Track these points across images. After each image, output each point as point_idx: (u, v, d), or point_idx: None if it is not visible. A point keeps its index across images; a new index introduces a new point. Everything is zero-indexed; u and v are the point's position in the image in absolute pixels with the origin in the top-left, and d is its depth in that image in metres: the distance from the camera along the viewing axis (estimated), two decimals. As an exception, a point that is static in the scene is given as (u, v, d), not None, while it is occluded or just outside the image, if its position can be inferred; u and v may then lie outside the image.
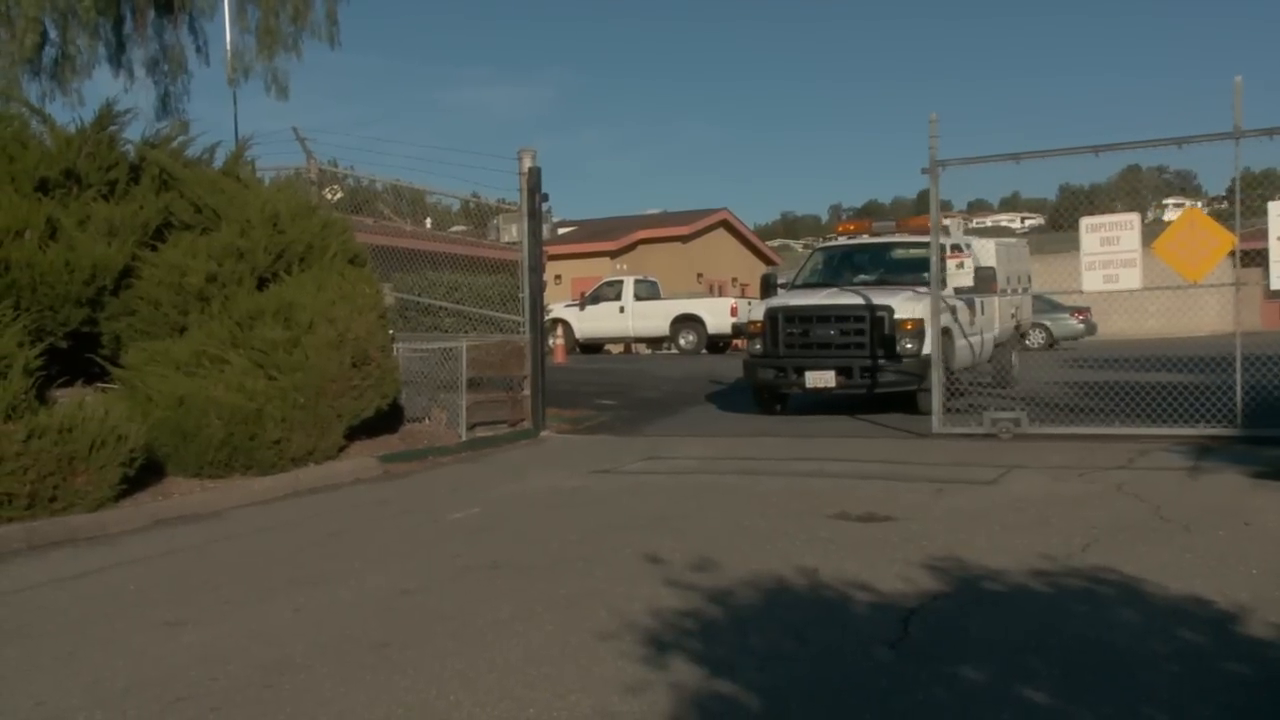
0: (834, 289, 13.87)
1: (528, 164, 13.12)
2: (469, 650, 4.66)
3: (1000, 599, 5.22)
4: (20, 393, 7.83)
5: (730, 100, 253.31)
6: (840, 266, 14.95)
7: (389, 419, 11.26)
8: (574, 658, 4.51)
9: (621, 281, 32.22)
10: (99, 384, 9.93)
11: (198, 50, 19.41)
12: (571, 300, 32.55)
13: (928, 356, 11.90)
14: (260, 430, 9.39)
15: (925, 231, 13.34)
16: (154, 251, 10.52)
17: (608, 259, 39.10)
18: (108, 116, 10.82)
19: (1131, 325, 14.98)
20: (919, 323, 12.48)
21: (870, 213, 79.13)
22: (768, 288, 14.53)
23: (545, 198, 13.37)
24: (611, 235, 40.76)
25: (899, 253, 14.71)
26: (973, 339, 13.88)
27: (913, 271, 13.64)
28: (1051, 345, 28.59)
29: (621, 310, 31.02)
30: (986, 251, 14.96)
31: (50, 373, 8.84)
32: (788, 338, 13.17)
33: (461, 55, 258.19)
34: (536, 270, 13.20)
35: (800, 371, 12.96)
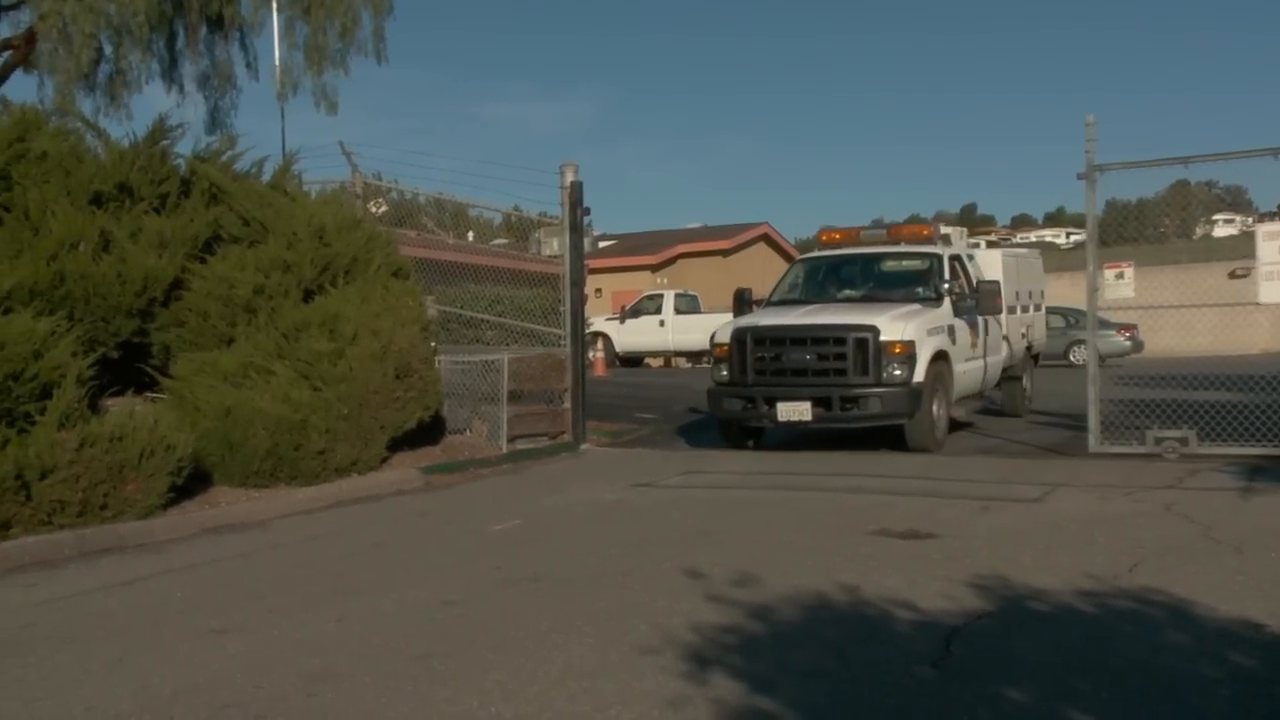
0: (813, 306, 12.17)
1: (570, 178, 13.19)
2: (510, 662, 4.68)
3: (1046, 619, 5.16)
4: (73, 402, 7.97)
5: (771, 113, 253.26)
6: (824, 281, 13.15)
7: (431, 431, 11.34)
8: (615, 671, 4.51)
9: (662, 295, 32.24)
10: (148, 394, 10.08)
11: (247, 66, 19.71)
12: (612, 314, 32.61)
13: (920, 385, 10.86)
14: (305, 441, 9.49)
15: (920, 240, 12.97)
16: (203, 264, 10.69)
17: (648, 273, 39.17)
18: (160, 131, 11.02)
19: (1180, 342, 13.84)
20: (909, 345, 10.91)
21: None
22: (742, 305, 12.80)
23: (587, 211, 13.42)
24: (652, 249, 40.83)
25: (890, 264, 13.00)
26: (976, 363, 12.47)
27: (906, 286, 12.38)
28: (1100, 363, 28.21)
29: (661, 324, 31.02)
30: (992, 264, 13.69)
31: (102, 382, 8.99)
32: (757, 363, 11.39)
33: (503, 70, 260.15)
34: (578, 284, 13.25)
35: (771, 402, 11.15)
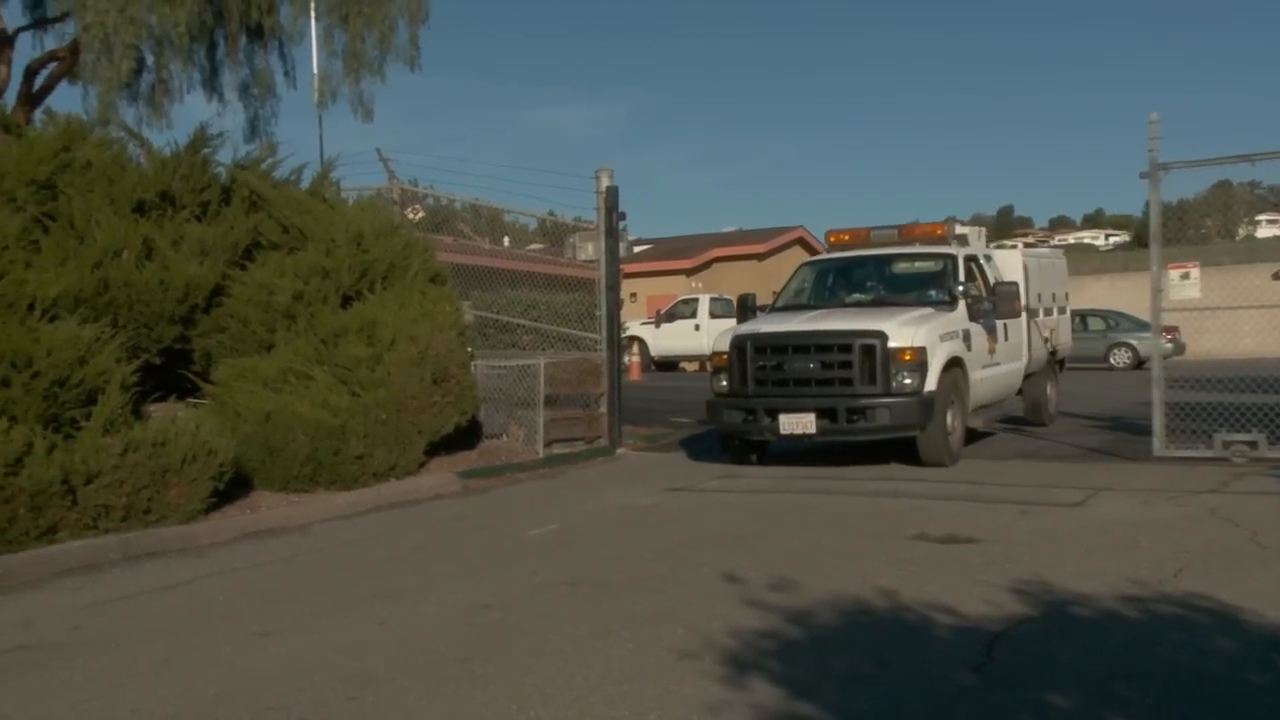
0: (819, 311, 11.49)
1: (605, 183, 13.22)
2: (548, 666, 4.69)
3: (1089, 624, 5.10)
4: (117, 408, 8.08)
5: (807, 116, 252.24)
6: (832, 285, 12.46)
7: (468, 435, 11.40)
8: (653, 676, 4.51)
9: (697, 299, 32.24)
10: (190, 399, 10.21)
11: (286, 74, 19.92)
12: (647, 318, 32.64)
13: (932, 394, 10.20)
14: (343, 446, 9.56)
15: (934, 240, 12.34)
16: (243, 270, 10.81)
17: (683, 277, 39.17)
18: (201, 139, 11.16)
19: (1223, 344, 13.39)
20: (919, 352, 10.19)
21: None
22: (745, 311, 12.17)
23: (622, 216, 13.45)
24: (687, 253, 40.84)
25: (901, 266, 12.36)
26: (994, 370, 11.74)
27: (918, 289, 11.73)
28: (1139, 365, 27.88)
29: (697, 328, 30.99)
30: (1011, 265, 12.99)
31: (145, 388, 9.10)
32: (758, 372, 10.68)
33: (538, 76, 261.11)
34: (613, 288, 13.28)
35: (773, 414, 10.46)
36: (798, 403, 10.42)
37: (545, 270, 16.18)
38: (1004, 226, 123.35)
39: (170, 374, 10.32)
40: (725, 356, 10.96)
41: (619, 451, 12.83)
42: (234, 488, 8.85)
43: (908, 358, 10.14)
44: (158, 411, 9.22)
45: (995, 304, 11.41)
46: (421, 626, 5.48)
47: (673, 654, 4.79)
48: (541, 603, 5.89)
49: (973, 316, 11.22)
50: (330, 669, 4.77)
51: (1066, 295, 14.98)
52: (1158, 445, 10.47)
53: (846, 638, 5.03)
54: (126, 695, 4.54)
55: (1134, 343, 28.28)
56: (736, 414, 10.78)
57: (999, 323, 11.68)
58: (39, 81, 20.62)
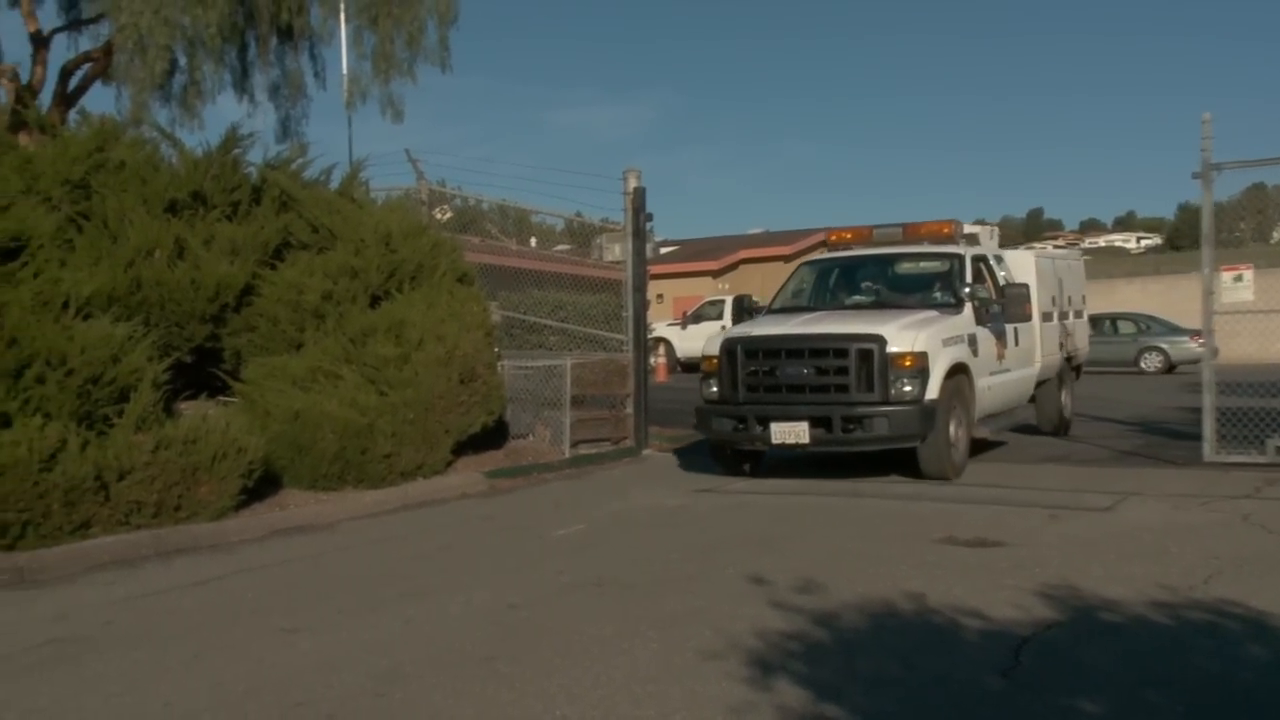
0: (816, 314, 10.92)
1: (633, 184, 13.24)
2: (574, 666, 4.71)
3: (1118, 630, 5.06)
4: (149, 405, 8.17)
5: (834, 118, 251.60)
6: (832, 285, 11.89)
7: (494, 435, 11.44)
8: (679, 677, 4.52)
9: (723, 301, 32.21)
10: (220, 398, 10.30)
11: (316, 75, 20.06)
12: (673, 319, 32.64)
13: (933, 402, 9.57)
14: (371, 445, 9.62)
15: (941, 239, 11.61)
16: (273, 270, 10.90)
17: (710, 278, 39.14)
18: (232, 140, 11.27)
19: (1258, 349, 12.97)
20: (920, 357, 9.56)
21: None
22: (741, 313, 11.81)
23: (649, 217, 13.47)
24: (713, 254, 40.81)
25: (905, 266, 11.74)
26: (1003, 377, 11.15)
27: (922, 290, 11.12)
28: (1170, 369, 27.62)
29: (723, 329, 30.97)
30: (1024, 267, 12.34)
31: (176, 386, 9.20)
32: (749, 378, 10.08)
33: (566, 77, 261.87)
34: (640, 289, 13.29)
35: (764, 423, 9.82)
36: (790, 410, 9.79)
37: (572, 271, 16.22)
38: (1033, 229, 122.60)
39: (201, 372, 10.42)
40: (715, 361, 10.38)
41: (645, 452, 12.84)
42: (263, 485, 8.92)
43: (908, 363, 9.54)
44: (188, 409, 9.31)
45: (1004, 307, 10.82)
46: (448, 625, 5.51)
47: (699, 655, 4.80)
48: (568, 603, 5.91)
49: (980, 320, 10.62)
50: (358, 666, 4.81)
51: (1084, 298, 14.39)
52: (1208, 450, 10.22)
53: (873, 640, 5.01)
54: (158, 689, 4.59)
55: (1165, 347, 28.03)
56: (726, 422, 10.20)
57: (1009, 327, 11.16)
58: (73, 82, 20.85)
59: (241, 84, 19.46)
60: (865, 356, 9.59)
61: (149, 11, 15.78)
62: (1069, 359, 13.42)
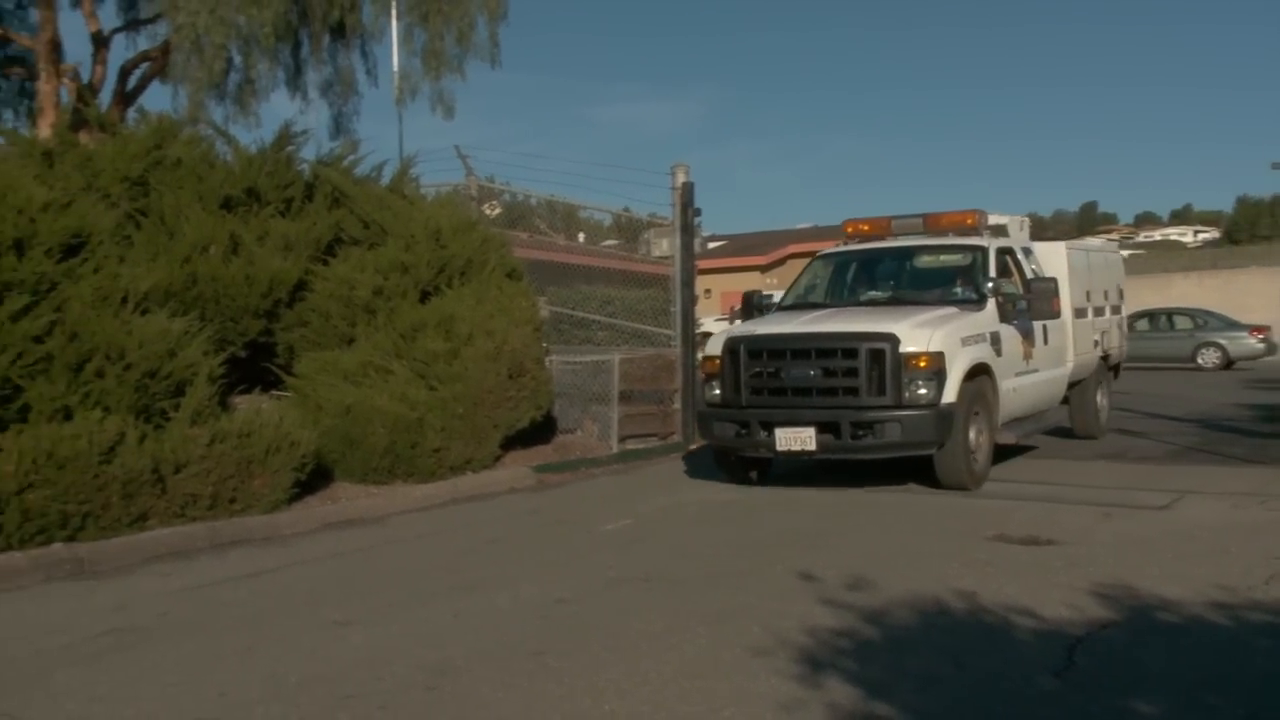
0: (826, 311, 10.24)
1: (681, 179, 13.22)
2: (623, 661, 4.72)
3: (1175, 630, 4.98)
4: (205, 399, 8.29)
5: (883, 111, 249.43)
6: (847, 280, 11.23)
7: (542, 430, 11.49)
8: (727, 673, 4.51)
9: (771, 296, 32.14)
10: (274, 392, 10.44)
11: (367, 73, 20.31)
12: (721, 314, 32.58)
13: (951, 406, 8.86)
14: (421, 439, 9.70)
15: (964, 230, 10.87)
16: (325, 265, 11.02)
17: (758, 273, 39.05)
18: (286, 137, 11.42)
19: None
20: (936, 358, 8.85)
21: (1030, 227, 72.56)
22: (750, 309, 11.13)
23: (698, 212, 13.45)
24: (761, 249, 40.73)
25: (925, 260, 11.06)
26: (1030, 378, 10.43)
27: (943, 285, 10.39)
28: (1228, 365, 27.10)
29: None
30: (1055, 260, 11.55)
31: (230, 380, 9.33)
32: (753, 380, 9.37)
33: (614, 72, 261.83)
34: (688, 284, 13.28)
35: (768, 428, 9.16)
36: (796, 415, 9.09)
37: (620, 266, 16.24)
38: (1087, 223, 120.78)
39: (254, 367, 10.56)
40: (717, 361, 9.62)
41: (693, 447, 12.83)
42: (315, 479, 9.02)
43: (923, 364, 8.82)
44: (242, 403, 9.44)
45: (1030, 303, 10.11)
46: (497, 619, 5.55)
47: (747, 651, 4.79)
48: (616, 597, 5.92)
49: (1004, 317, 9.90)
50: (408, 659, 4.85)
51: (1122, 293, 13.55)
52: None
53: (923, 638, 4.97)
54: (213, 679, 4.67)
55: (1223, 342, 27.50)
56: (728, 427, 9.46)
57: (1037, 324, 10.42)
58: (132, 81, 21.24)
59: (295, 82, 19.74)
60: (876, 357, 8.89)
61: (205, 11, 16.04)
62: (1105, 358, 12.64)
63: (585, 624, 5.38)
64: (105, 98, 20.20)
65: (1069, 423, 12.24)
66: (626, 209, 17.84)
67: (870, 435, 8.86)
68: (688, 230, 13.21)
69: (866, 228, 11.67)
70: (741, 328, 10.14)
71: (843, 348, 9.08)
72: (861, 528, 7.75)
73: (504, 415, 10.43)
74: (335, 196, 11.64)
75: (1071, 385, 11.73)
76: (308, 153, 12.17)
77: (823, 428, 8.96)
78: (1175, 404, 15.92)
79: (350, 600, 6.01)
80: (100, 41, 20.97)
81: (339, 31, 19.19)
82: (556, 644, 5.02)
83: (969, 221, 10.91)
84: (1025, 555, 6.62)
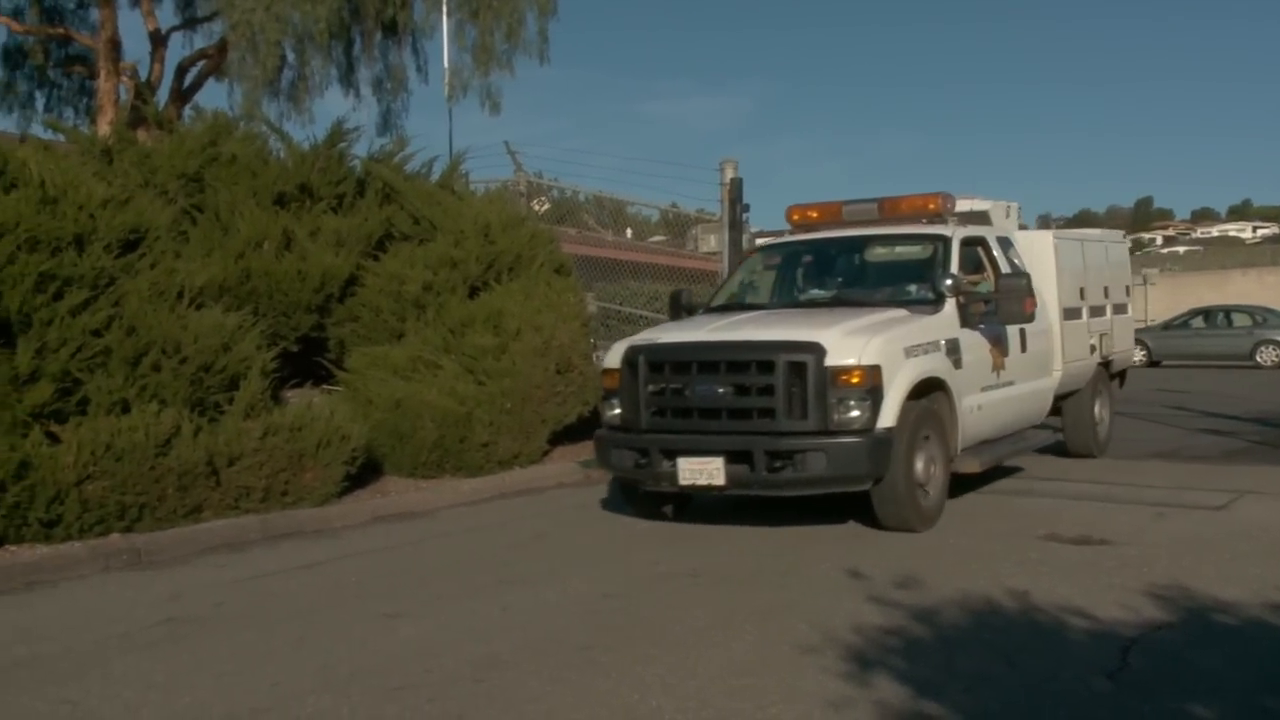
0: (754, 314, 8.54)
1: (729, 175, 13.20)
2: (669, 656, 4.72)
3: (1232, 633, 4.89)
4: (258, 393, 8.42)
5: (933, 107, 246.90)
6: (787, 277, 9.59)
7: (589, 425, 11.47)
8: (775, 670, 4.50)
9: (820, 292, 31.93)
10: (325, 386, 10.56)
11: (418, 69, 20.51)
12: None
13: (888, 432, 7.17)
14: (469, 433, 9.77)
15: (927, 215, 9.22)
16: (376, 261, 11.14)
17: (806, 269, 38.76)
18: (338, 134, 11.55)
19: None
20: (870, 372, 7.13)
21: (1083, 224, 63.92)
22: (679, 311, 9.29)
23: (746, 208, 13.41)
24: (810, 245, 40.36)
25: (879, 252, 9.30)
26: (1002, 392, 8.70)
27: (896, 282, 8.73)
28: (1291, 363, 26.54)
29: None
30: (1038, 252, 9.83)
31: (282, 374, 9.46)
32: (653, 399, 7.65)
33: (662, 68, 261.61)
34: (736, 280, 13.23)
35: (671, 456, 7.49)
36: (702, 442, 7.42)
37: (667, 262, 16.26)
38: (1142, 219, 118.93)
39: (306, 361, 10.70)
40: (616, 375, 7.93)
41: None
42: (365, 472, 9.12)
43: (854, 380, 7.12)
44: (294, 397, 9.57)
45: (998, 304, 8.37)
46: (545, 613, 5.57)
47: (795, 648, 4.77)
48: (662, 593, 5.93)
49: (967, 321, 8.21)
50: (457, 652, 4.89)
51: (1127, 289, 11.77)
52: None
53: (974, 638, 4.92)
54: (266, 670, 4.73)
55: (1285, 340, 26.94)
56: (627, 455, 7.77)
57: (1013, 329, 8.73)
58: (188, 79, 21.57)
59: (347, 78, 19.98)
60: (797, 371, 7.18)
61: (261, 9, 16.26)
62: (1106, 364, 10.94)
63: (632, 619, 5.39)
64: (162, 95, 20.58)
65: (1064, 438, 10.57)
66: (674, 204, 17.83)
67: (790, 467, 7.18)
68: (736, 226, 13.18)
69: (815, 215, 9.87)
70: (645, 334, 8.53)
71: (757, 360, 7.35)
72: (910, 526, 7.68)
73: (551, 410, 10.47)
74: (386, 192, 11.76)
75: (1064, 397, 10.18)
76: (359, 149, 12.32)
77: (733, 457, 7.29)
78: (1232, 403, 15.61)
79: (400, 593, 6.07)
80: (158, 40, 21.33)
81: (391, 28, 19.38)
82: (603, 639, 5.03)
83: (931, 206, 9.19)
84: (1077, 555, 6.53)
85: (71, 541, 7.02)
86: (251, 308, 9.78)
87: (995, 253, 9.19)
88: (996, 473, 9.28)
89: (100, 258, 7.99)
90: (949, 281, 8.27)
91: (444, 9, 18.46)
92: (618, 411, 7.96)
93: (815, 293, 9.22)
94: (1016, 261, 9.42)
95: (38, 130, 20.28)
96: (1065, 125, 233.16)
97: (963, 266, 8.65)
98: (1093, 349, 10.51)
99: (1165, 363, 27.66)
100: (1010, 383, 8.83)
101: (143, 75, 21.01)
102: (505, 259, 11.25)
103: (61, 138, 12.52)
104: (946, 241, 8.72)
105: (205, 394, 8.20)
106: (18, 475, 6.84)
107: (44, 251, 7.67)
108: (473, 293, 11.06)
